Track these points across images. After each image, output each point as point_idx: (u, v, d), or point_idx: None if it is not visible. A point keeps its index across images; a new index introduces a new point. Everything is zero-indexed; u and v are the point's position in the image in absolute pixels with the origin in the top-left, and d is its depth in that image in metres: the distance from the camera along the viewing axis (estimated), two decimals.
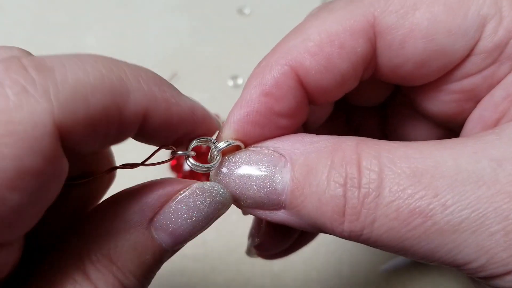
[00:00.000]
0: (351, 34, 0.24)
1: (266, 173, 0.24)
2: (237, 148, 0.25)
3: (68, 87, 0.18)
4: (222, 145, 0.25)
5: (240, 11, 0.68)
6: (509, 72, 0.24)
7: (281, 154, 0.24)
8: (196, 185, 0.23)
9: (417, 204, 0.21)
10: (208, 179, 0.26)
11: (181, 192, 0.23)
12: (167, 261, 0.24)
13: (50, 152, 0.18)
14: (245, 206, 0.25)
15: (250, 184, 0.24)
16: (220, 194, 0.24)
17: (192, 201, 0.23)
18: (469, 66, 0.24)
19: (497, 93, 0.25)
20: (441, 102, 0.27)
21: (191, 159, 0.25)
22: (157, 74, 0.23)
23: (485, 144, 0.22)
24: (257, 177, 0.24)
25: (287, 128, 0.25)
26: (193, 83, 0.61)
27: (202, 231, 0.24)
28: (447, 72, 0.25)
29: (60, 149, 0.18)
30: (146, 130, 0.22)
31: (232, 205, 0.26)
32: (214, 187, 0.24)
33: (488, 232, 0.21)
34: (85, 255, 0.21)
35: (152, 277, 0.24)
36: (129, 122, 0.21)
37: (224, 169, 0.25)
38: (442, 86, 0.26)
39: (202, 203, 0.23)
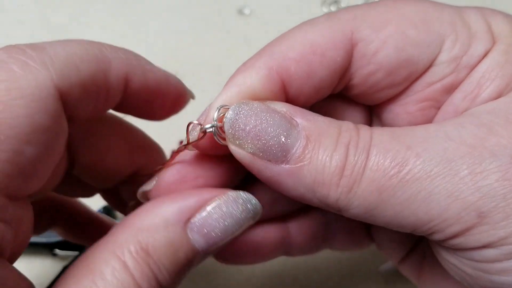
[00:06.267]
0: (333, 45, 0.26)
1: (280, 127, 0.25)
2: None
3: (61, 58, 0.23)
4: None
5: (240, 11, 0.68)
6: (465, 78, 0.28)
7: (293, 118, 0.25)
8: (231, 192, 0.26)
9: (394, 156, 0.24)
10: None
11: (217, 198, 0.25)
12: None
13: (54, 110, 0.22)
14: (251, 151, 0.25)
15: (263, 131, 0.25)
16: (252, 203, 0.26)
17: (226, 207, 0.25)
18: (431, 75, 0.28)
19: (456, 96, 0.28)
20: (408, 115, 0.30)
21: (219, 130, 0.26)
22: (133, 51, 0.27)
23: (448, 121, 0.26)
24: (271, 125, 0.25)
25: None
26: (193, 83, 0.61)
27: (232, 238, 0.26)
28: (412, 83, 0.28)
29: (61, 108, 0.22)
30: (128, 98, 0.27)
31: None
32: (247, 196, 0.26)
33: (457, 177, 0.23)
34: (124, 246, 0.23)
35: (181, 279, 0.25)
36: (113, 87, 0.25)
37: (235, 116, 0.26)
38: (409, 98, 0.29)
39: (235, 209, 0.25)
